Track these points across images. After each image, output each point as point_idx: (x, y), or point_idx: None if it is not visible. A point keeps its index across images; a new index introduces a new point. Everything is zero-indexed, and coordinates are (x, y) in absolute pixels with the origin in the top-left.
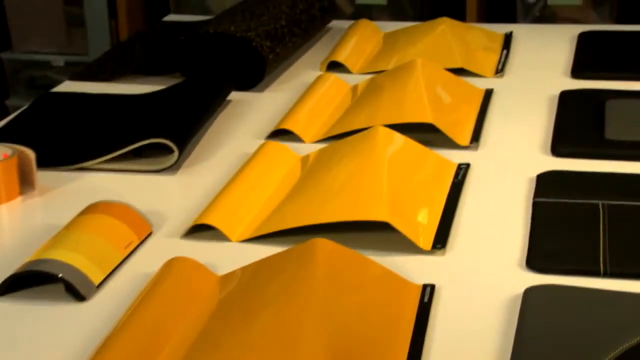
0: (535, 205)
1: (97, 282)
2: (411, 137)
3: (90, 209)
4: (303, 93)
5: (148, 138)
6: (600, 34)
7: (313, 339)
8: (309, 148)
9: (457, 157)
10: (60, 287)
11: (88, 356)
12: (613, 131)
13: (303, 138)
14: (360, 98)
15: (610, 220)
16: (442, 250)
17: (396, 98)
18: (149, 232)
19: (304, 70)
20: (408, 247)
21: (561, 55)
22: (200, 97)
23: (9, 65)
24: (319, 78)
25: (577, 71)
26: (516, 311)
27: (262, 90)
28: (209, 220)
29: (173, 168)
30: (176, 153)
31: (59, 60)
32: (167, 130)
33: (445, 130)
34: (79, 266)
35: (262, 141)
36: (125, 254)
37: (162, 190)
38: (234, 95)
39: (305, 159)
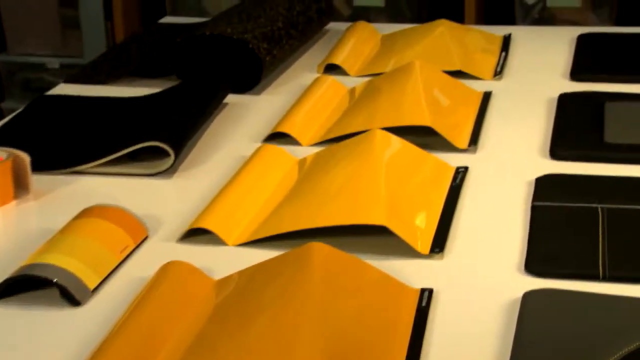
0: (534, 209)
1: (92, 287)
2: (409, 140)
3: (86, 213)
4: (300, 96)
5: (144, 141)
6: (600, 36)
7: (309, 344)
8: (306, 151)
9: (455, 160)
10: (55, 291)
11: None
12: (612, 134)
13: (300, 141)
14: (357, 101)
15: (610, 224)
16: (440, 254)
17: (394, 101)
18: (144, 236)
19: (301, 73)
20: (406, 251)
21: (560, 58)
22: (197, 99)
23: (3, 68)
24: (316, 80)
25: (576, 73)
26: (515, 315)
27: (259, 92)
28: (205, 224)
29: (169, 171)
30: (172, 156)
31: (54, 63)
32: (163, 133)
33: (443, 133)
34: (74, 271)
35: (259, 144)
36: (121, 258)
37: (158, 193)
38: (230, 98)
39: (302, 162)
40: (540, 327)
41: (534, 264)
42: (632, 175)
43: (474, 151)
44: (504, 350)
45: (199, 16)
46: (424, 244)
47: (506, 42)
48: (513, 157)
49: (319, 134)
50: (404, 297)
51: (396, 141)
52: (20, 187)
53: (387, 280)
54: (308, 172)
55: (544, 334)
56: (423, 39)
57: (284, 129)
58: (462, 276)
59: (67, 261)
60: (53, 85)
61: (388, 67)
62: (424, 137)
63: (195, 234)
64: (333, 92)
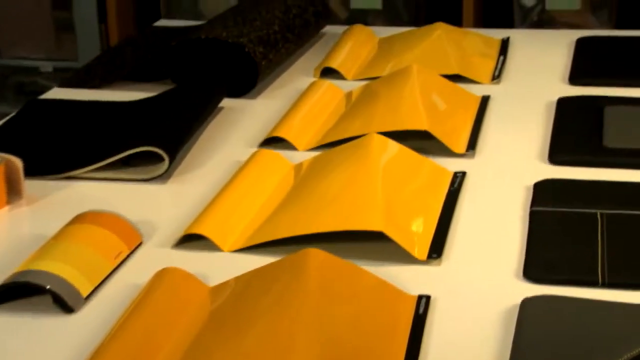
0: (533, 215)
1: (85, 294)
2: (406, 145)
3: (79, 219)
4: (296, 100)
5: (138, 146)
6: (599, 40)
7: (306, 350)
8: (303, 156)
9: (453, 165)
10: (48, 298)
11: None
12: (612, 139)
13: (296, 146)
14: (354, 105)
15: (609, 229)
16: (437, 260)
17: (391, 105)
18: (139, 242)
19: (297, 77)
20: (403, 257)
21: (559, 61)
22: (192, 104)
23: None
24: (312, 84)
25: (575, 77)
26: (513, 322)
27: (254, 97)
28: (200, 230)
29: (164, 176)
30: (167, 161)
31: (47, 66)
32: (157, 138)
33: (441, 137)
34: (67, 277)
35: (254, 149)
36: (115, 265)
37: (153, 199)
38: (226, 102)
39: (298, 167)
40: (539, 333)
41: (532, 270)
42: (631, 180)
43: (472, 156)
44: (503, 357)
45: (194, 19)
46: (421, 249)
47: (504, 45)
48: (511, 162)
49: (315, 138)
50: (401, 304)
51: (393, 146)
52: (12, 192)
53: (384, 287)
54: (304, 177)
55: (542, 340)
56: (420, 42)
57: (280, 133)
58: (459, 282)
59: (60, 268)
60: (47, 89)
61: (385, 71)
62: (421, 141)
63: (190, 240)
64: (330, 96)
